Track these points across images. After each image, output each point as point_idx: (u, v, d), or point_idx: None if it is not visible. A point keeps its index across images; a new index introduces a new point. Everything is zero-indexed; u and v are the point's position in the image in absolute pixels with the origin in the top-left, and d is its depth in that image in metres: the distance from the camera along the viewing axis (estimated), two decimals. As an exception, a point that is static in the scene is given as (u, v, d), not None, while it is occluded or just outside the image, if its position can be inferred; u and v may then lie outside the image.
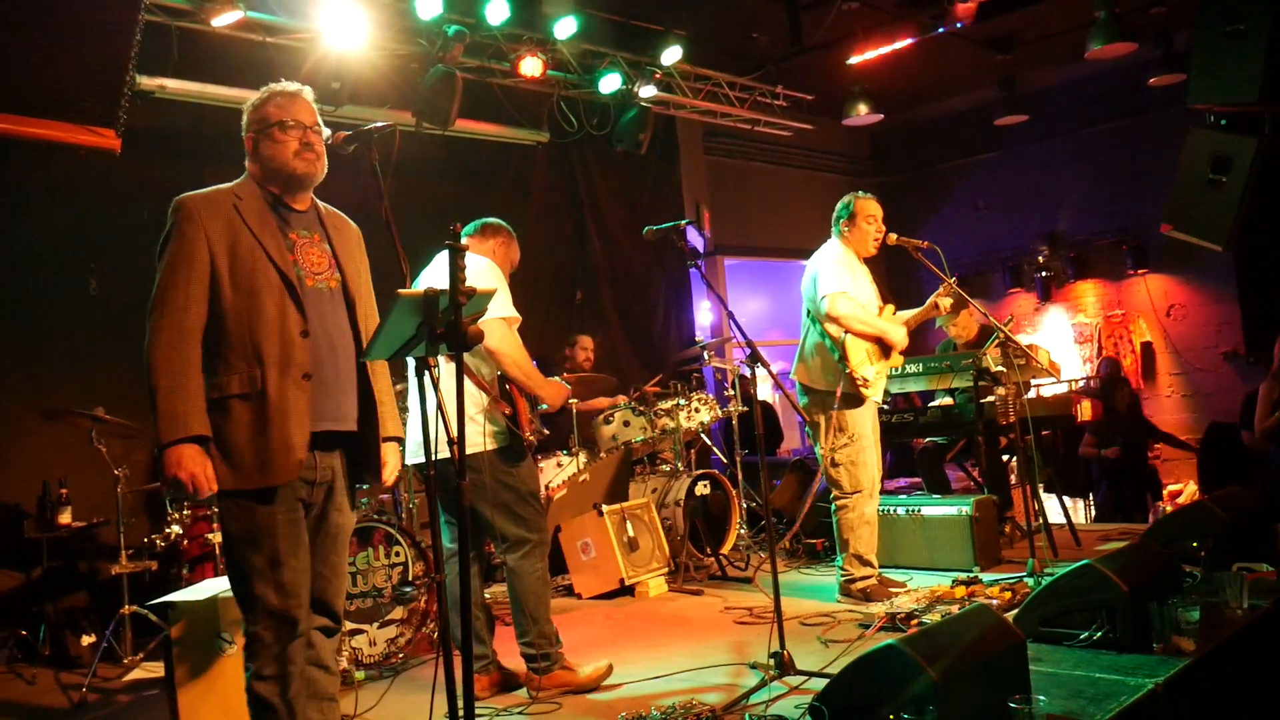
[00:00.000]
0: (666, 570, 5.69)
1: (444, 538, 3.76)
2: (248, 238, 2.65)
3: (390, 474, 2.94)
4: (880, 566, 4.92)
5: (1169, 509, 7.61)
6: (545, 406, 3.95)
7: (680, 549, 5.75)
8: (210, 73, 5.79)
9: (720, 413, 6.30)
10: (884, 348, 4.86)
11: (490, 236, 3.99)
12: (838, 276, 4.78)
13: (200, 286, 2.60)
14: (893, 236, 4.96)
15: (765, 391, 9.67)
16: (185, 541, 4.69)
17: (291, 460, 2.60)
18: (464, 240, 3.37)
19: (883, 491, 5.09)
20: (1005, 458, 6.15)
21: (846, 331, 4.72)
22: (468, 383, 3.50)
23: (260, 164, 2.75)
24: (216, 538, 4.61)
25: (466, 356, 2.50)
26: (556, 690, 3.74)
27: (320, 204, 2.89)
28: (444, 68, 6.34)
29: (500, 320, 3.65)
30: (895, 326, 4.87)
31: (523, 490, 3.77)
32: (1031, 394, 5.85)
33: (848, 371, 4.70)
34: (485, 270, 3.71)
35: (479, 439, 3.65)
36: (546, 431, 3.95)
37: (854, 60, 8.15)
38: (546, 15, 6.73)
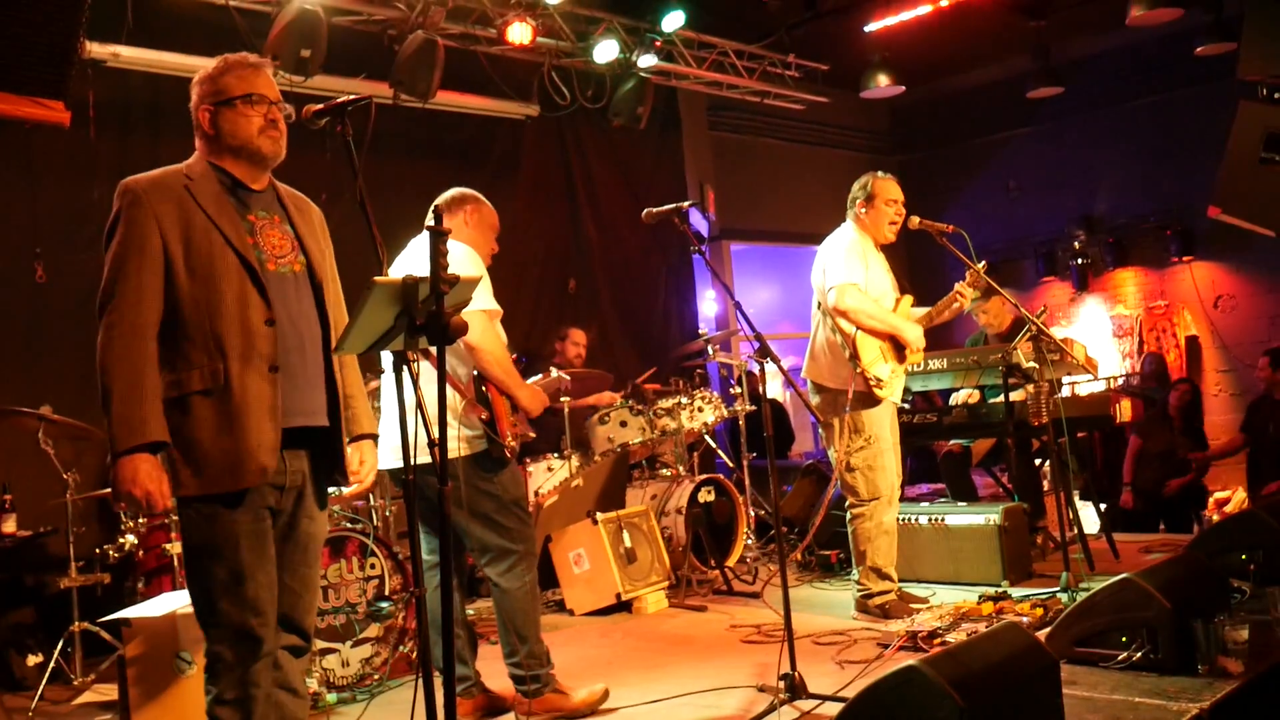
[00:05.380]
0: (667, 584, 5.70)
1: (424, 549, 3.76)
2: (202, 220, 2.63)
3: (368, 473, 2.95)
4: (900, 580, 4.93)
5: (1216, 518, 7.62)
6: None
7: (682, 561, 5.76)
8: (168, 39, 5.79)
9: (726, 412, 6.30)
10: (899, 346, 4.86)
11: (458, 208, 3.95)
12: (849, 266, 4.77)
13: (154, 277, 2.58)
14: (914, 220, 4.95)
15: (775, 389, 9.69)
16: (141, 552, 4.69)
17: (262, 459, 2.59)
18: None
19: (903, 498, 5.10)
20: (1037, 462, 6.16)
21: (857, 327, 4.72)
22: (445, 382, 3.50)
23: (218, 140, 2.73)
24: (175, 548, 4.61)
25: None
26: (547, 715, 3.74)
27: (278, 184, 2.88)
28: (424, 35, 6.34)
29: (482, 313, 3.64)
30: (910, 325, 4.84)
31: (504, 498, 3.76)
32: (1066, 392, 5.85)
33: (859, 370, 4.70)
34: (466, 257, 3.70)
35: (453, 444, 3.65)
36: (533, 434, 3.95)
37: (873, 27, 8.15)
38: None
